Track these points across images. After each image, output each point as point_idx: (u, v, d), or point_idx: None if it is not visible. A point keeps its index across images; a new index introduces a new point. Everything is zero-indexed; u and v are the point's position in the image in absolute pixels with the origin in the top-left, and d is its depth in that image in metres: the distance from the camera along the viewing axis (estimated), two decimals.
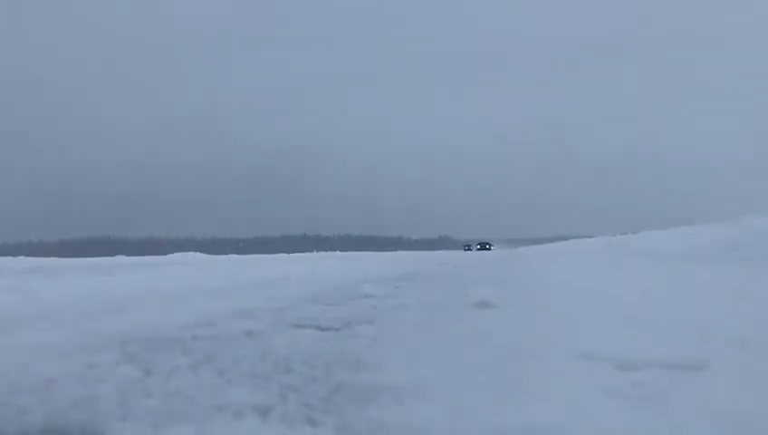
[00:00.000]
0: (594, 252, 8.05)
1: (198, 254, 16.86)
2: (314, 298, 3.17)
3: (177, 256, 15.95)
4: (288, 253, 23.79)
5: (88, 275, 4.13)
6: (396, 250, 38.33)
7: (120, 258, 14.09)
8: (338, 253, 24.56)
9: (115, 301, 3.07)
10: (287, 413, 1.10)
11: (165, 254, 18.35)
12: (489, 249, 49.76)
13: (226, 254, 20.99)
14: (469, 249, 49.42)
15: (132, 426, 1.02)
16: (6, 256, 12.43)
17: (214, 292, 3.48)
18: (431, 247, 68.96)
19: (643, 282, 3.95)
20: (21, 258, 11.63)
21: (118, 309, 2.67)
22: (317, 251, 27.81)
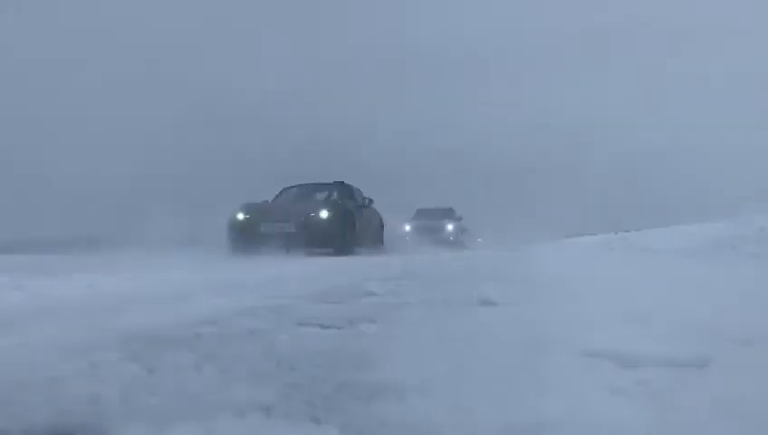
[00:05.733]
0: (597, 249, 8.05)
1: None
2: (317, 296, 3.17)
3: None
4: None
5: (90, 272, 4.13)
6: None
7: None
8: None
9: (117, 299, 3.07)
10: (291, 411, 1.10)
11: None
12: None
13: None
14: None
15: (136, 424, 1.02)
16: (8, 253, 12.42)
17: (216, 290, 3.48)
18: None
19: (646, 279, 3.95)
20: (23, 256, 11.63)
21: (120, 307, 2.67)
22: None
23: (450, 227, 19.58)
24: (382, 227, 14.18)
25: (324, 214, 10.69)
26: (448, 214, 20.57)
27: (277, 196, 12.81)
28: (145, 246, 8.71)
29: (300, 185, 13.14)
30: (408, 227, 18.71)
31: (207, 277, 4.58)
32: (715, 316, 2.13)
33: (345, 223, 10.98)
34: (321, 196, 12.34)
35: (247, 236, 10.47)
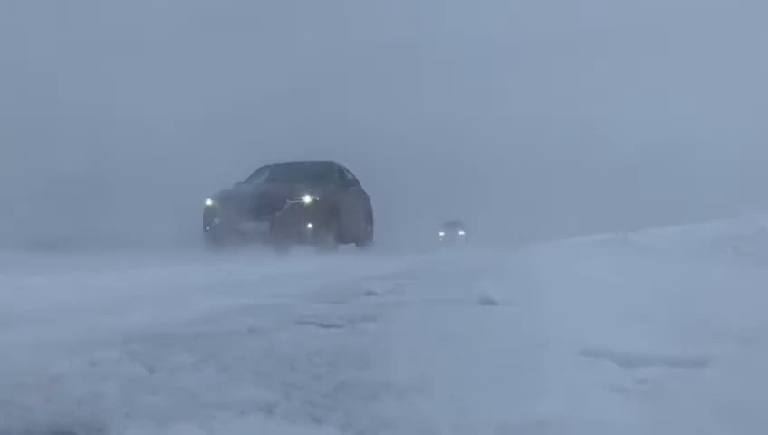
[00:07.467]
0: (597, 248, 8.05)
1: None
2: (317, 296, 3.17)
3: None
4: None
5: (90, 271, 4.13)
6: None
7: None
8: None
9: (117, 298, 3.07)
10: (291, 410, 1.10)
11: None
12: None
13: None
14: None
15: (137, 423, 1.02)
16: (9, 251, 12.38)
17: (216, 289, 3.48)
18: None
19: (646, 278, 3.95)
20: (24, 255, 11.62)
21: (120, 306, 2.67)
22: None
23: (461, 232, 29.52)
24: (371, 216, 11.56)
25: (307, 200, 8.90)
26: (460, 224, 30.65)
27: (252, 176, 10.33)
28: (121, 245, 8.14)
29: (279, 164, 10.51)
30: (441, 233, 28.86)
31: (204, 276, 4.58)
32: (715, 316, 2.13)
33: (329, 214, 9.10)
34: (302, 179, 9.56)
35: (222, 231, 8.82)
